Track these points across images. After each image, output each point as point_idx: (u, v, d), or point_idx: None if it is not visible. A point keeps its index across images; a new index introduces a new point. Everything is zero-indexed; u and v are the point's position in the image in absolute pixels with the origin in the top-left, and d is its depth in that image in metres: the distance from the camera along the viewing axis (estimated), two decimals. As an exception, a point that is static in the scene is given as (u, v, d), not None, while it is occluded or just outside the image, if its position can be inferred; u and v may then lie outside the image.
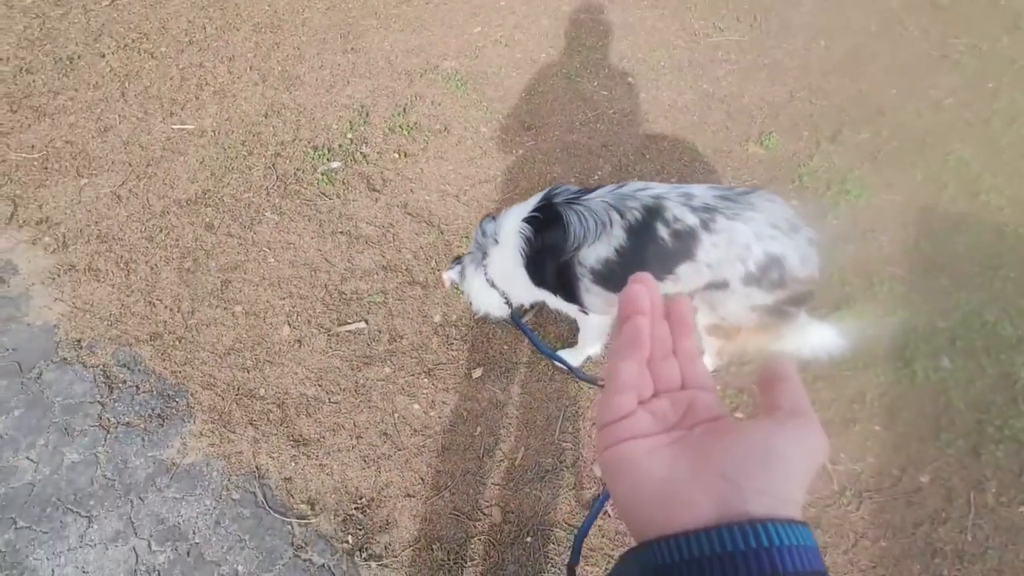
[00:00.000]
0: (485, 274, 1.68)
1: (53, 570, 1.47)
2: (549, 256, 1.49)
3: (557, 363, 1.76)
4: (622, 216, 1.37)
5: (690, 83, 2.78)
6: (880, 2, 3.12)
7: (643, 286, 0.38)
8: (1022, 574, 1.51)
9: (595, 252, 1.40)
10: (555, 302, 1.66)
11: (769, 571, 0.28)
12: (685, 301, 0.41)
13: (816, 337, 1.59)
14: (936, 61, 2.86)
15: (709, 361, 1.71)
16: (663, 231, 1.34)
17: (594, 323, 1.67)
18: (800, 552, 0.29)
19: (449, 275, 1.84)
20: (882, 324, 1.95)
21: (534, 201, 1.54)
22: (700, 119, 2.62)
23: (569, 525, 1.58)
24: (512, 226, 1.55)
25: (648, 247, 1.35)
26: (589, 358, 1.84)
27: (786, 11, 3.13)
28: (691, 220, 1.33)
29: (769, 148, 2.47)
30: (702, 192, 1.36)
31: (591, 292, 1.49)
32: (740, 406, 1.80)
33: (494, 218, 1.66)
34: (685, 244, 1.34)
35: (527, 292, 1.67)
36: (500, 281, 1.68)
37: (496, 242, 1.62)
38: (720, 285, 1.37)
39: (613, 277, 1.42)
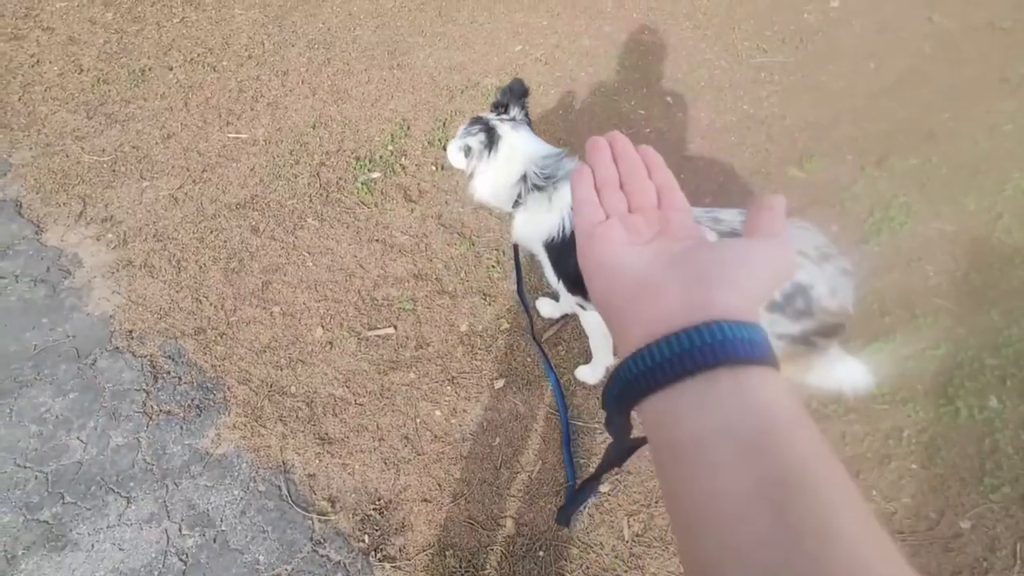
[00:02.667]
0: (518, 199, 1.53)
1: (93, 544, 1.56)
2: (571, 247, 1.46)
3: (552, 385, 1.78)
4: None
5: (730, 104, 2.76)
6: (936, 24, 3.02)
7: (603, 137, 0.45)
8: (1072, 636, 1.40)
9: None
10: (547, 269, 1.61)
11: (723, 359, 0.30)
12: (651, 149, 0.45)
13: (844, 372, 1.54)
14: (995, 85, 2.74)
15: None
16: None
17: (595, 321, 1.67)
18: (754, 345, 0.31)
19: (455, 155, 1.61)
20: (924, 357, 1.86)
21: None
22: (739, 140, 2.59)
23: (583, 543, 1.57)
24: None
25: None
26: (607, 367, 1.83)
27: (834, 33, 3.07)
28: None
29: (810, 171, 2.42)
30: (731, 217, 1.36)
31: None
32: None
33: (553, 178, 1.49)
34: None
35: (538, 249, 1.58)
36: (524, 228, 1.56)
37: (543, 191, 1.49)
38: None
39: None
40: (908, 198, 2.27)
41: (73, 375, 1.89)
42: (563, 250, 1.49)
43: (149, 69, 3.04)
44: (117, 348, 1.96)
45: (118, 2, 3.46)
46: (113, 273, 2.18)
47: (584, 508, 1.61)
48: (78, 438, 1.75)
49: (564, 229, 1.47)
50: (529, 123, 1.62)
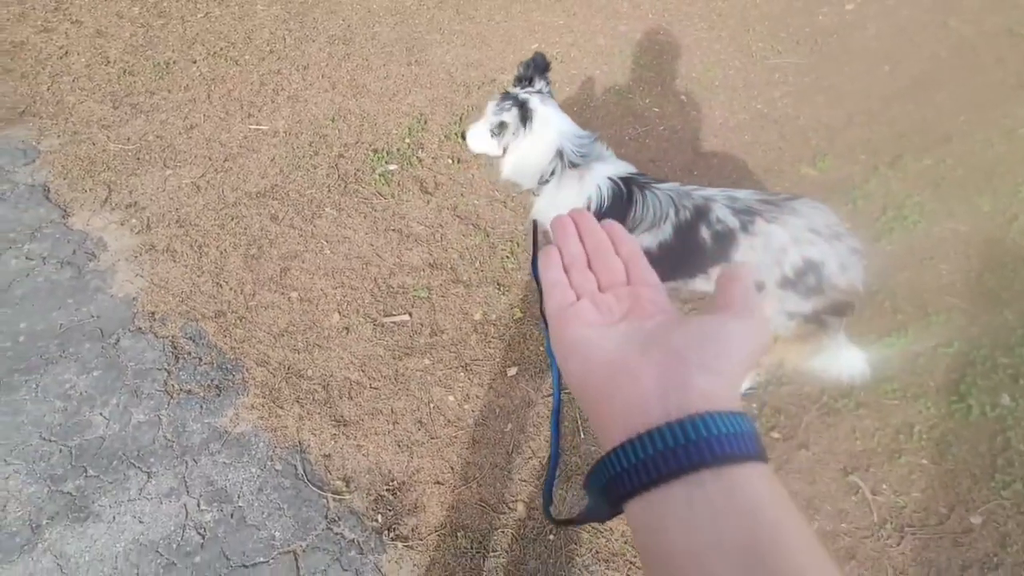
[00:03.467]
0: (545, 176, 1.54)
1: (114, 516, 1.61)
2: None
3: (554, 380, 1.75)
4: (677, 213, 1.40)
5: (744, 103, 2.78)
6: (952, 29, 3.02)
7: (567, 215, 0.46)
8: (1082, 631, 1.40)
9: (641, 241, 1.43)
10: None
11: (710, 459, 0.29)
12: (615, 223, 0.45)
13: (847, 361, 1.55)
14: (1011, 90, 2.74)
15: (747, 377, 1.69)
16: (704, 232, 1.36)
17: None
18: (739, 439, 0.30)
19: (483, 139, 1.60)
20: (936, 355, 1.87)
21: (622, 165, 1.53)
22: (752, 139, 2.61)
23: (592, 527, 1.59)
24: (601, 173, 1.50)
25: (688, 246, 1.37)
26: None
27: (849, 35, 3.08)
28: (732, 221, 1.35)
29: (823, 170, 2.43)
30: (746, 195, 1.38)
31: None
32: (776, 426, 1.76)
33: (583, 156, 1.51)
34: (722, 246, 1.36)
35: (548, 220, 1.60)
36: (548, 203, 1.57)
37: (577, 168, 1.51)
38: (756, 288, 1.37)
39: (660, 265, 1.45)
40: (922, 198, 2.28)
41: (97, 354, 1.94)
42: None
43: (173, 62, 3.11)
44: (140, 329, 2.01)
45: (144, -3, 3.55)
46: (136, 257, 2.24)
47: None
48: (101, 414, 1.80)
49: (593, 204, 1.48)
50: (552, 96, 1.63)
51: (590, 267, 0.44)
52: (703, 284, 1.45)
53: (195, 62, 3.12)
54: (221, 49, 3.19)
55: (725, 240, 1.36)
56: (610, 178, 1.48)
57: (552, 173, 1.53)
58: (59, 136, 2.71)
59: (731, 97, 2.82)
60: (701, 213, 1.38)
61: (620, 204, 1.44)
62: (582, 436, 1.77)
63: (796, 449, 1.71)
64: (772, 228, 1.32)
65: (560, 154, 1.51)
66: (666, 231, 1.40)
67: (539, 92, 1.58)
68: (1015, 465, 1.65)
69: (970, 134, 2.54)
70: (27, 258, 2.21)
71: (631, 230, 1.41)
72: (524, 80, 1.59)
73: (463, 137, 1.76)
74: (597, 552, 1.55)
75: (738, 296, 0.37)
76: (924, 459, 1.68)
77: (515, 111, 1.50)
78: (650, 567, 0.31)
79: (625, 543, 1.57)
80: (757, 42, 3.11)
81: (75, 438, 1.75)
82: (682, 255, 1.39)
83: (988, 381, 1.80)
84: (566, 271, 0.43)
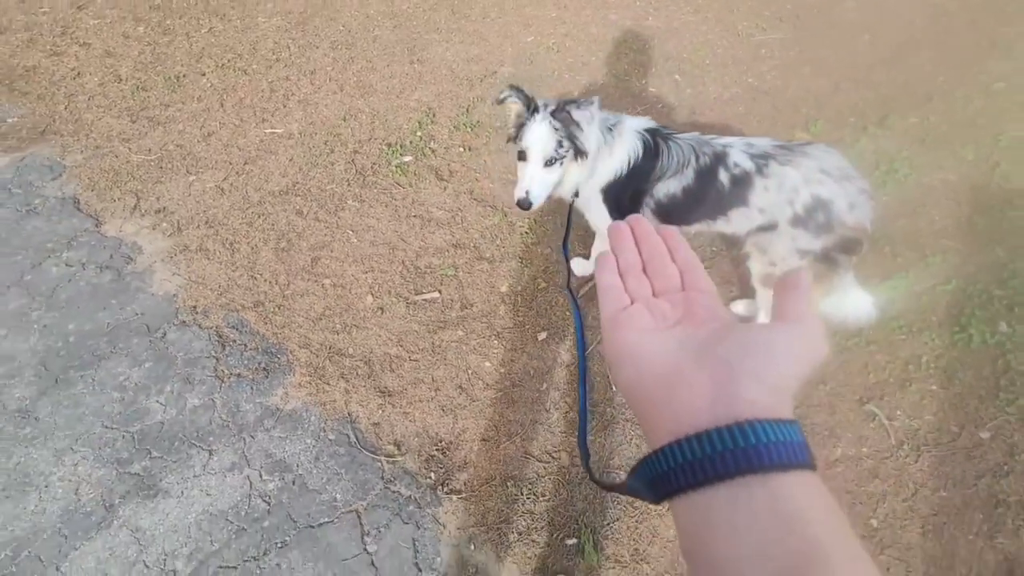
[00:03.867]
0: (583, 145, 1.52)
1: (183, 491, 1.70)
2: (634, 179, 1.57)
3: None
4: (697, 159, 1.51)
5: (735, 78, 2.92)
6: (925, -4, 3.19)
7: (624, 222, 0.46)
8: (1090, 523, 1.52)
9: (667, 187, 1.55)
10: (599, 213, 1.68)
11: (757, 466, 0.30)
12: (673, 230, 0.46)
13: (853, 302, 1.67)
14: (985, 49, 2.90)
15: (764, 317, 1.81)
16: (723, 176, 1.49)
17: None
18: (786, 447, 0.30)
19: (547, 176, 1.53)
20: (936, 292, 2.00)
21: (643, 120, 1.60)
22: (746, 110, 2.75)
23: (629, 467, 1.70)
24: (631, 126, 1.57)
25: (708, 190, 1.50)
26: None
27: (829, 10, 3.24)
28: (748, 165, 1.47)
29: (815, 133, 2.57)
30: (763, 142, 1.50)
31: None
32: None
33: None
34: (740, 189, 1.48)
35: (595, 201, 1.64)
36: (604, 173, 1.59)
37: (611, 132, 1.55)
38: (769, 227, 1.50)
39: (670, 213, 1.57)
40: (910, 153, 2.43)
41: (146, 347, 2.04)
42: (621, 183, 1.59)
43: (184, 75, 3.21)
44: (184, 322, 2.11)
45: (147, 17, 3.65)
46: (172, 257, 2.34)
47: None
48: (157, 401, 1.89)
49: (628, 163, 1.56)
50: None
51: (645, 273, 0.44)
52: (724, 226, 1.57)
53: (204, 74, 3.23)
54: (229, 61, 3.31)
55: (742, 183, 1.48)
56: (638, 131, 1.57)
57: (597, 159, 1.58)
58: (82, 151, 2.81)
59: (722, 73, 2.97)
60: (720, 158, 1.50)
61: (649, 155, 1.55)
62: (614, 390, 1.88)
63: (815, 386, 1.83)
64: (785, 170, 1.44)
65: (606, 131, 1.56)
66: (688, 176, 1.52)
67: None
68: (1016, 384, 1.78)
69: (950, 92, 2.69)
70: (67, 265, 2.31)
71: (659, 178, 1.54)
72: (531, 106, 1.53)
73: (525, 204, 1.56)
74: (639, 489, 1.66)
75: (792, 304, 0.37)
76: (933, 385, 1.81)
77: (593, 113, 1.48)
78: (694, 570, 0.32)
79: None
80: (742, 21, 3.27)
81: (135, 424, 1.84)
82: (703, 198, 1.51)
83: (986, 312, 1.94)
84: (621, 276, 0.44)
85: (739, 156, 1.49)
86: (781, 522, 0.29)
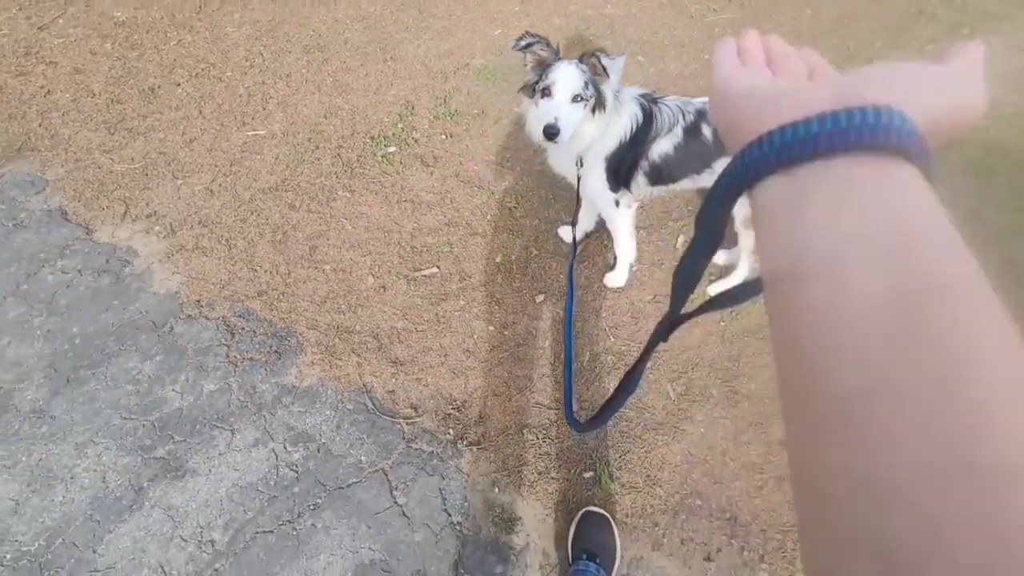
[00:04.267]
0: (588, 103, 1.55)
1: (210, 469, 1.75)
2: (635, 144, 1.66)
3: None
4: (684, 117, 1.66)
5: (693, 56, 3.12)
6: (857, -28, 3.46)
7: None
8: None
9: (661, 146, 1.68)
10: (597, 182, 1.75)
11: (883, 140, 0.26)
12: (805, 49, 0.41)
13: None
14: (915, 16, 3.18)
15: (746, 262, 1.98)
16: (706, 130, 1.64)
17: (626, 219, 1.91)
18: (912, 136, 0.27)
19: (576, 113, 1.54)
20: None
21: (635, 88, 1.69)
22: (706, 83, 2.93)
23: (637, 407, 1.83)
24: (629, 93, 1.65)
25: (696, 145, 1.65)
26: (633, 266, 2.11)
27: (771, -11, 3.49)
28: None
29: (771, 100, 2.78)
30: None
31: (636, 183, 1.78)
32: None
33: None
34: (720, 141, 1.64)
35: (597, 168, 1.70)
36: (607, 137, 1.63)
37: (617, 101, 1.60)
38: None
39: (661, 172, 1.72)
40: (857, 110, 2.65)
41: (155, 342, 2.07)
42: (623, 150, 1.68)
43: (158, 87, 3.24)
44: (190, 315, 2.15)
45: (113, 33, 3.66)
46: (169, 257, 2.37)
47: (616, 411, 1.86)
48: (173, 390, 1.94)
49: (628, 133, 1.66)
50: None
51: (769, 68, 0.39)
52: (709, 179, 1.73)
53: (179, 84, 3.26)
54: (202, 70, 3.34)
55: None
56: (635, 98, 1.68)
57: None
58: (63, 165, 2.81)
59: (680, 53, 3.16)
60: (701, 115, 1.66)
61: (647, 120, 1.68)
62: (611, 340, 2.01)
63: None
64: None
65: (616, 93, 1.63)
66: (678, 134, 1.66)
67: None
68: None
69: (887, 55, 2.94)
70: (63, 272, 2.32)
71: (654, 139, 1.68)
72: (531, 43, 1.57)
73: (549, 133, 1.53)
74: (646, 424, 1.80)
75: (958, 55, 0.33)
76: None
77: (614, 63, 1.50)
78: (772, 261, 0.28)
79: (668, 414, 1.81)
80: (694, 4, 3.48)
81: (154, 413, 1.88)
82: (692, 153, 1.67)
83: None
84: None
85: None
86: (894, 208, 0.25)
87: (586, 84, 1.53)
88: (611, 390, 1.86)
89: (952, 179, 2.29)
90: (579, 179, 1.73)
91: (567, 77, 1.52)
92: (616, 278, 2.11)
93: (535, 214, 2.42)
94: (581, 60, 1.55)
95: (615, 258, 2.12)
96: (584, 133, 1.62)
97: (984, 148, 2.44)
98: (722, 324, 2.01)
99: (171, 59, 3.44)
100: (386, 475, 1.72)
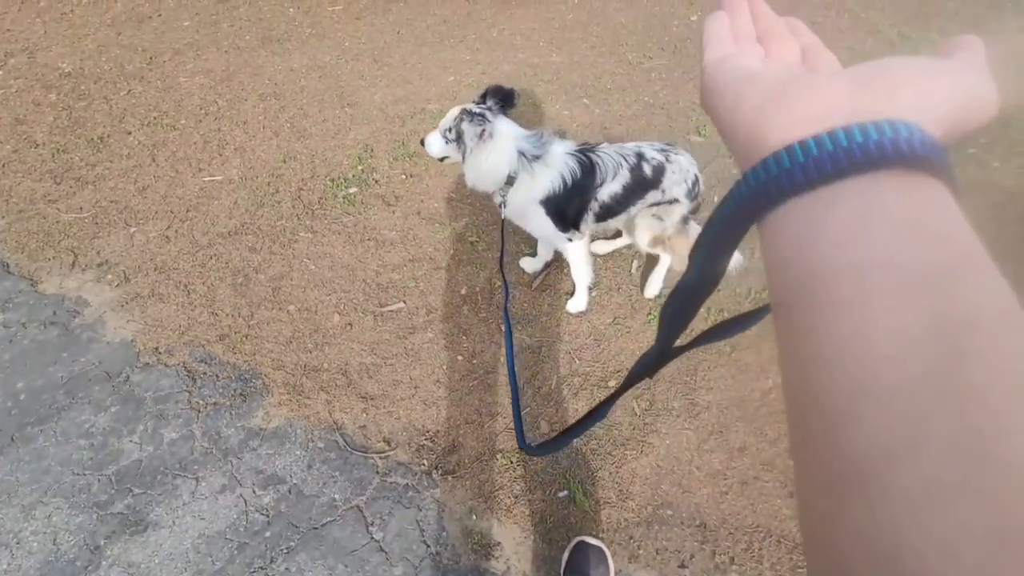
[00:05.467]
0: (511, 176, 1.79)
1: (174, 521, 1.68)
2: (578, 192, 1.82)
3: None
4: (626, 160, 1.84)
5: (634, 98, 3.38)
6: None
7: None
8: None
9: (610, 188, 1.85)
10: (540, 222, 1.90)
11: (908, 156, 0.24)
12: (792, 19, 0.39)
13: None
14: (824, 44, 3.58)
15: (659, 279, 2.18)
16: (647, 168, 1.82)
17: (580, 250, 2.05)
18: (936, 150, 0.25)
19: (438, 143, 1.86)
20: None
21: (569, 143, 1.86)
22: (647, 123, 3.19)
23: (605, 424, 1.91)
24: (560, 155, 1.80)
25: (639, 180, 1.83)
26: (591, 291, 2.22)
27: (697, 39, 3.83)
28: (659, 157, 1.83)
29: (706, 136, 3.04)
30: (654, 144, 1.89)
31: (586, 222, 1.92)
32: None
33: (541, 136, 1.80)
34: (657, 173, 1.82)
35: (533, 209, 1.86)
36: (521, 195, 1.82)
37: (540, 159, 1.78)
38: (673, 200, 1.87)
39: (611, 208, 1.87)
40: (781, 143, 2.94)
41: (109, 393, 1.99)
42: (561, 198, 1.83)
43: (108, 135, 3.20)
44: (147, 363, 2.09)
45: (59, 84, 3.60)
46: (123, 306, 2.31)
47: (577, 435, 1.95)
48: (131, 441, 1.86)
49: (563, 181, 1.80)
50: (504, 114, 1.89)
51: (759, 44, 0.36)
52: (653, 196, 1.90)
53: (130, 133, 3.23)
54: (155, 119, 3.33)
55: (659, 169, 1.83)
56: (569, 153, 1.85)
57: (515, 172, 1.81)
58: (3, 216, 2.71)
59: (622, 96, 3.42)
60: (640, 156, 1.84)
61: (587, 170, 1.83)
62: (577, 363, 2.09)
63: (742, 333, 2.15)
64: (679, 158, 1.85)
65: (522, 154, 1.80)
66: (624, 175, 1.84)
67: (490, 108, 1.81)
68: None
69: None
70: (4, 326, 2.21)
71: (599, 185, 1.83)
72: (480, 99, 1.85)
73: (422, 143, 1.97)
74: (614, 440, 1.87)
75: (958, 52, 0.31)
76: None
77: (475, 126, 1.73)
78: (785, 289, 0.26)
79: (634, 430, 1.89)
80: (631, 52, 3.79)
81: (110, 466, 1.80)
82: (637, 187, 1.85)
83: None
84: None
85: (650, 152, 1.85)
86: (924, 228, 0.23)
87: (449, 129, 1.84)
88: (579, 411, 1.94)
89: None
90: (503, 222, 1.89)
91: (444, 120, 1.87)
92: (577, 304, 2.22)
93: (497, 247, 2.52)
94: (460, 113, 1.81)
95: (574, 285, 2.23)
96: (467, 166, 1.86)
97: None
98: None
99: (121, 109, 3.42)
100: (361, 511, 1.70)
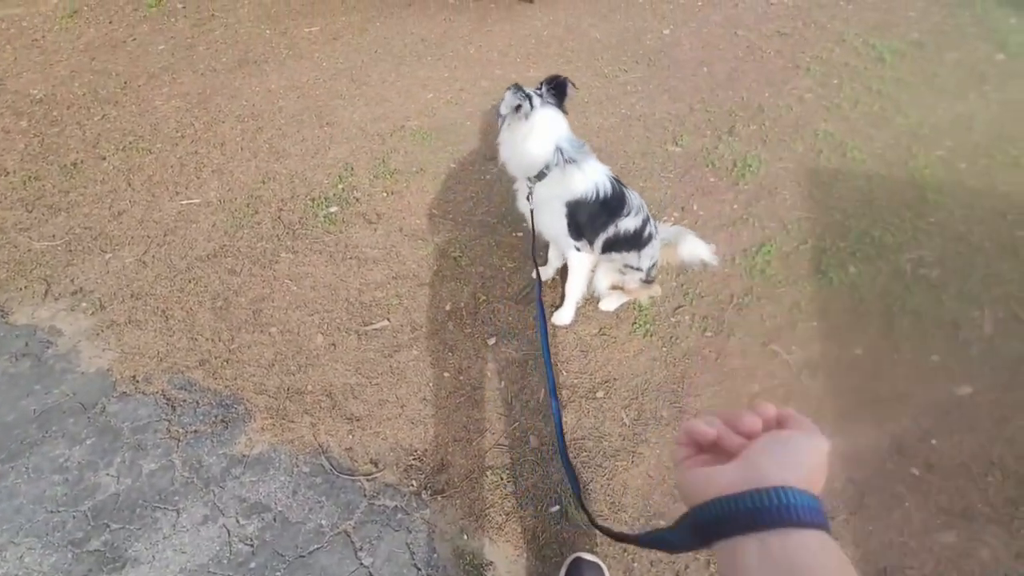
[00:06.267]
0: (545, 170, 1.79)
1: (154, 555, 1.62)
2: (606, 211, 1.85)
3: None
4: (643, 210, 1.95)
5: (611, 110, 3.43)
6: (740, 37, 3.98)
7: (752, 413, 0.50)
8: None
9: (628, 223, 1.90)
10: (557, 226, 1.92)
11: (787, 520, 0.38)
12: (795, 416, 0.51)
13: (698, 250, 2.15)
14: (792, 71, 3.67)
15: (617, 300, 2.26)
16: (648, 229, 1.99)
17: (584, 262, 2.06)
18: (808, 510, 0.39)
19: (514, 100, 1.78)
20: (799, 251, 2.47)
21: (607, 168, 1.89)
22: (625, 134, 3.23)
23: (595, 436, 1.89)
24: (598, 169, 1.84)
25: (640, 234, 1.95)
26: (578, 306, 2.22)
27: (671, 51, 3.93)
28: (653, 231, 2.04)
29: (683, 146, 3.09)
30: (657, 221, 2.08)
31: (596, 243, 1.96)
32: (707, 328, 2.21)
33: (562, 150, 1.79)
34: (647, 240, 2.00)
35: (557, 206, 1.86)
36: (551, 189, 1.83)
37: (576, 163, 1.79)
38: (637, 268, 2.06)
39: (615, 245, 1.95)
40: (757, 151, 2.99)
41: (84, 425, 1.93)
42: (589, 208, 1.84)
43: (81, 161, 3.15)
44: (124, 393, 2.03)
45: (30, 111, 3.55)
46: (98, 334, 2.25)
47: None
48: (108, 474, 1.80)
49: (596, 193, 1.81)
50: (558, 106, 1.88)
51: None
52: (633, 256, 2.02)
53: (104, 158, 3.18)
54: (130, 143, 3.29)
55: (649, 238, 1.99)
56: (609, 176, 1.87)
57: (548, 167, 1.79)
58: (-28, 247, 2.63)
59: (600, 108, 3.47)
60: (650, 218, 2.00)
61: (617, 196, 1.86)
62: (564, 375, 2.08)
63: (726, 338, 2.17)
64: (659, 239, 2.05)
65: (560, 151, 1.80)
66: (639, 220, 1.91)
67: (541, 95, 1.83)
68: (871, 311, 2.24)
69: (775, 104, 3.37)
70: (-27, 361, 2.14)
71: (625, 215, 1.86)
72: (540, 86, 1.86)
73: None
74: (604, 451, 1.85)
75: (803, 424, 0.48)
76: (814, 322, 2.22)
77: (515, 97, 1.74)
78: None
79: (623, 440, 1.88)
80: (607, 66, 3.85)
81: (86, 502, 1.73)
82: (636, 238, 1.95)
83: (836, 260, 2.42)
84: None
85: (654, 223, 2.03)
86: (794, 570, 0.37)
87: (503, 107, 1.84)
88: (568, 424, 1.92)
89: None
90: (532, 214, 1.89)
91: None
92: (563, 316, 2.21)
93: (480, 261, 2.51)
94: (515, 90, 1.81)
95: (562, 297, 2.23)
96: (502, 139, 1.89)
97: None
98: (664, 350, 2.14)
99: (95, 134, 3.37)
100: (349, 536, 1.66)
